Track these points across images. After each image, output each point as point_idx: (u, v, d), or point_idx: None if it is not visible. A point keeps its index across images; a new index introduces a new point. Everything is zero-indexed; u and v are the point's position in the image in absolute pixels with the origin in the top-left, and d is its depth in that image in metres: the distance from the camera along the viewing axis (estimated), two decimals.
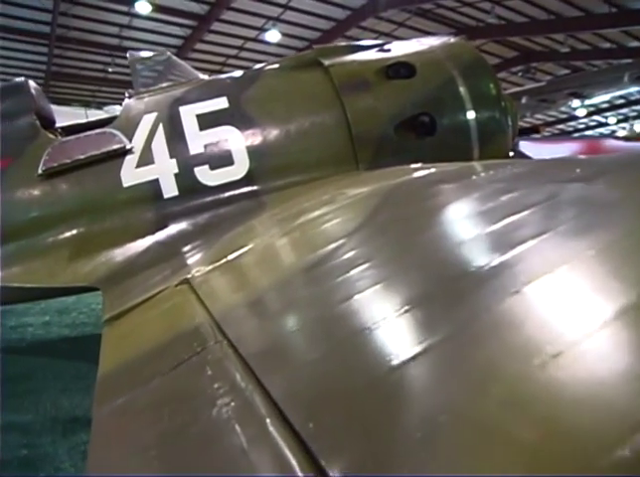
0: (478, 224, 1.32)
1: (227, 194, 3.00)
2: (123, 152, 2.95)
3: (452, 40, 3.60)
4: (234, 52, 21.84)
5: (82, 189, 2.93)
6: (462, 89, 3.22)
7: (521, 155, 5.85)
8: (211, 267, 1.97)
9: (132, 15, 18.77)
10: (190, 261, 2.39)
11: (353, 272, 1.14)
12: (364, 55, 3.46)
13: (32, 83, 3.29)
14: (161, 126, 3.03)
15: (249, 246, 2.05)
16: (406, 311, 0.87)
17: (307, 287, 1.33)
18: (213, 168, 3.00)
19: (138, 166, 2.95)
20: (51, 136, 3.19)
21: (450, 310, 0.85)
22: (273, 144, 3.09)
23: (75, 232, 2.90)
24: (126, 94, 3.21)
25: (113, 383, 1.18)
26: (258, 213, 2.79)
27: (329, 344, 0.91)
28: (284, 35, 20.27)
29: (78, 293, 3.26)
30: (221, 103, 3.15)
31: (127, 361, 1.29)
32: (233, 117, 3.11)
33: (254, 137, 3.09)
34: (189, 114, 3.08)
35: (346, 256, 1.35)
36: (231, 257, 1.97)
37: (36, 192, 2.92)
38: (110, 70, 21.72)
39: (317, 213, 2.05)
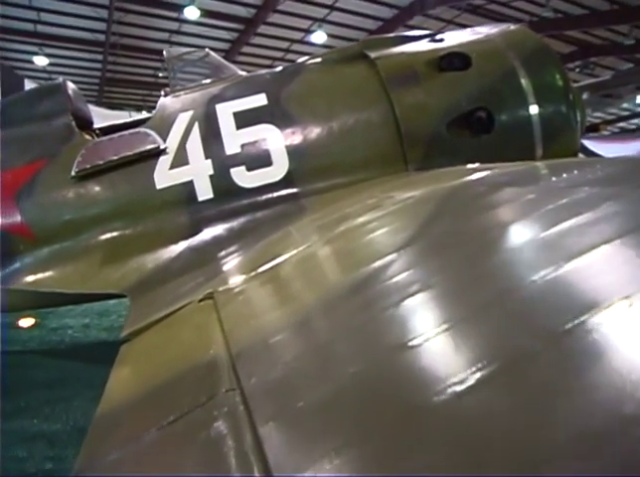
0: (561, 245, 1.00)
1: (264, 197, 2.80)
2: (157, 153, 2.81)
3: (512, 27, 3.26)
4: (280, 54, 21.89)
5: (115, 191, 2.81)
6: (524, 81, 2.88)
7: (591, 154, 5.33)
8: (240, 280, 1.77)
9: (181, 21, 19.15)
10: (220, 271, 2.20)
11: (408, 304, 0.89)
12: (414, 46, 3.18)
13: (70, 84, 3.22)
14: (196, 125, 2.87)
15: (285, 257, 1.83)
16: (481, 369, 0.63)
17: (349, 320, 1.04)
18: (250, 169, 2.81)
19: (172, 167, 2.80)
20: (87, 137, 3.11)
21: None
22: (315, 143, 2.87)
23: (107, 236, 2.78)
24: (162, 93, 3.08)
25: (107, 430, 1.00)
26: (298, 217, 2.58)
27: (382, 423, 0.65)
28: (330, 36, 20.10)
29: (112, 298, 3.16)
30: (259, 100, 2.96)
31: (129, 400, 1.16)
32: (272, 115, 2.92)
33: (295, 136, 2.88)
34: (226, 112, 2.91)
35: (398, 280, 1.10)
36: (263, 269, 1.76)
37: (69, 194, 2.83)
38: (160, 74, 22.30)
39: (362, 219, 1.81)
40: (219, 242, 2.62)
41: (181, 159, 2.81)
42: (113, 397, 1.22)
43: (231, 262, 2.31)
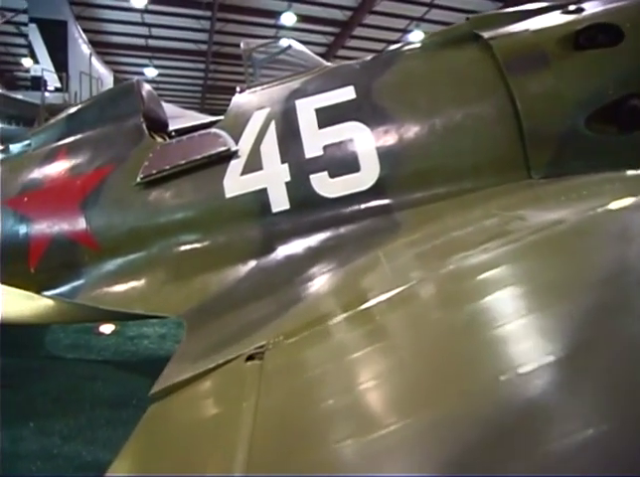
0: None
1: (349, 209, 2.33)
2: (228, 156, 2.45)
3: None
4: None
5: (181, 200, 2.50)
6: None
7: None
8: (306, 327, 1.31)
9: (278, 27, 19.41)
10: (288, 306, 1.75)
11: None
12: (540, 20, 2.53)
13: (144, 85, 2.99)
14: (273, 124, 2.47)
15: (371, 304, 1.34)
16: None
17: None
18: (333, 175, 2.35)
19: (244, 173, 2.42)
20: (159, 139, 2.84)
21: None
22: (413, 144, 2.35)
23: (171, 250, 2.48)
24: (237, 89, 2.72)
25: None
26: (389, 237, 2.07)
27: None
28: None
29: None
30: (346, 94, 2.49)
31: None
32: (361, 111, 2.44)
33: (388, 136, 2.37)
34: (307, 109, 2.48)
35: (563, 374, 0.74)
36: (338, 319, 1.28)
37: (133, 203, 2.57)
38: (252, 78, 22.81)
39: (483, 253, 1.26)
40: (293, 264, 2.20)
41: (254, 163, 2.42)
42: (124, 465, 1.10)
43: (303, 294, 1.86)
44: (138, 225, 2.54)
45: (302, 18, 18.69)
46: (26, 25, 16.20)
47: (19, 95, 14.88)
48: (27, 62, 17.54)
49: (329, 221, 2.32)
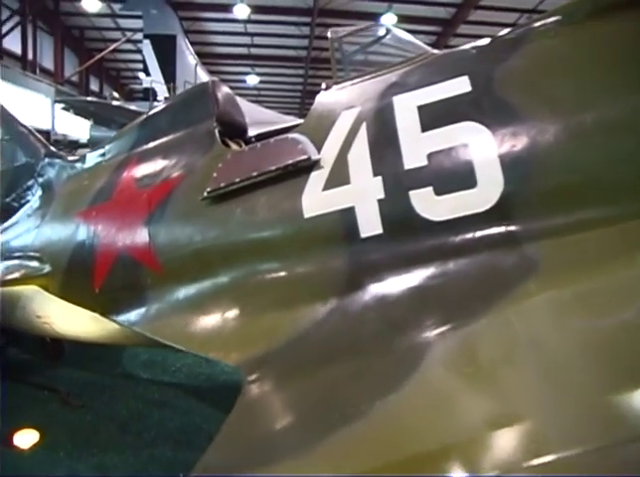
0: None
1: (461, 237, 1.75)
2: (308, 167, 2.00)
3: None
4: None
5: (251, 220, 2.09)
6: None
7: None
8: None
9: None
10: (379, 390, 1.24)
11: None
12: None
13: (221, 86, 2.65)
14: (364, 127, 1.98)
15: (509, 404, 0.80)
16: None
17: None
18: (440, 192, 1.79)
19: (327, 187, 1.95)
20: (233, 146, 2.48)
21: None
22: (552, 151, 1.72)
23: (237, 280, 2.08)
24: (322, 86, 2.26)
25: None
26: (521, 284, 1.48)
27: None
28: None
29: None
30: (459, 87, 1.92)
31: None
32: (478, 108, 1.86)
33: (516, 140, 1.77)
34: (407, 107, 1.95)
35: None
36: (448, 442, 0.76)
37: (198, 221, 2.22)
38: None
39: None
40: (386, 310, 1.68)
41: (339, 176, 1.94)
42: None
43: (395, 367, 1.35)
44: (203, 247, 2.18)
45: (403, 18, 18.03)
46: (141, 42, 17.35)
47: (133, 106, 15.91)
48: (143, 75, 18.81)
49: (434, 252, 1.76)
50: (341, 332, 1.69)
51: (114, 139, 3.01)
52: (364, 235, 1.87)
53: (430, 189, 1.80)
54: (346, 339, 1.64)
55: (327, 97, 2.19)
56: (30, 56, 18.48)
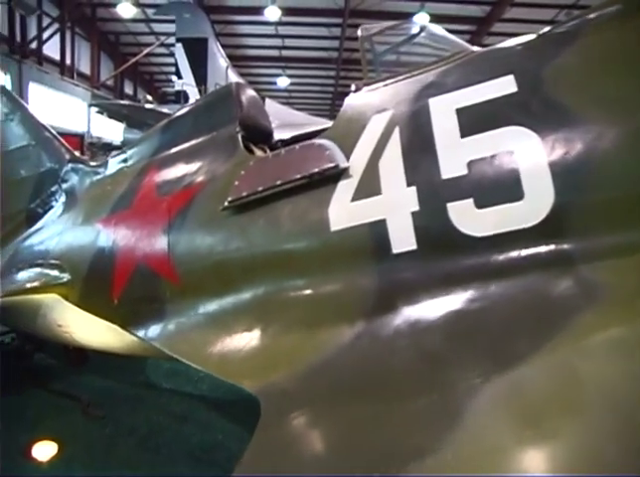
0: None
1: (506, 255, 1.56)
2: (335, 175, 1.84)
3: None
4: None
5: (274, 232, 1.95)
6: None
7: None
8: None
9: None
10: (413, 437, 1.07)
11: None
12: None
13: (245, 88, 2.53)
14: (397, 131, 1.81)
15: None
16: None
17: None
18: (482, 205, 1.61)
19: (356, 198, 1.79)
20: (258, 152, 2.35)
21: None
22: (613, 159, 1.52)
23: (257, 296, 1.95)
24: (352, 88, 2.10)
25: None
26: (580, 314, 1.28)
27: None
28: None
29: None
30: (503, 87, 1.73)
31: None
32: (525, 110, 1.67)
33: (569, 146, 1.57)
34: (445, 110, 1.77)
35: None
36: None
37: (218, 231, 2.09)
38: None
39: None
40: (419, 340, 1.50)
41: (369, 186, 1.78)
42: None
43: (434, 412, 1.17)
44: (223, 259, 2.05)
45: (436, 18, 17.61)
46: (174, 45, 17.57)
47: (165, 109, 16.12)
48: (175, 78, 19.07)
49: (474, 272, 1.58)
50: (369, 361, 1.53)
51: (137, 144, 2.93)
52: (396, 250, 1.70)
53: (471, 201, 1.62)
54: (375, 369, 1.47)
55: (357, 100, 2.03)
56: (68, 61, 18.99)
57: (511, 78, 1.73)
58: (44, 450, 2.71)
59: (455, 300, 1.55)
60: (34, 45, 16.77)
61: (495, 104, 1.71)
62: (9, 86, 15.68)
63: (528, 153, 1.60)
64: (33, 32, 16.72)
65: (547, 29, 1.89)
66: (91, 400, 3.22)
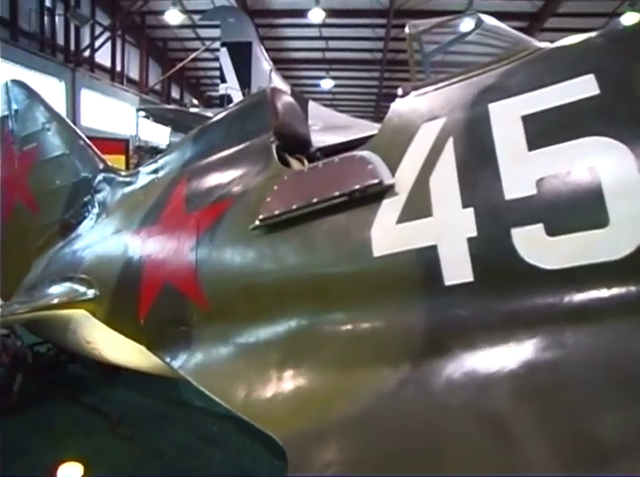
0: None
1: (584, 294, 1.29)
2: (379, 193, 1.61)
3: None
4: None
5: (309, 256, 1.74)
6: None
7: None
8: None
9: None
10: None
11: None
12: None
13: (281, 94, 2.33)
14: (450, 143, 1.56)
15: None
16: None
17: None
18: (554, 231, 1.34)
19: (402, 220, 1.56)
20: (293, 164, 2.15)
21: None
22: None
23: (289, 327, 1.74)
24: (398, 92, 1.85)
25: None
26: None
27: None
28: None
29: None
30: (580, 89, 1.46)
31: None
32: (610, 117, 1.39)
33: None
34: (508, 117, 1.51)
35: None
36: None
37: (249, 253, 1.90)
38: None
39: None
40: (477, 397, 1.26)
41: (418, 206, 1.54)
42: None
43: None
44: (253, 283, 1.86)
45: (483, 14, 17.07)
46: (219, 50, 17.78)
47: (209, 112, 16.32)
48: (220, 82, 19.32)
49: (545, 313, 1.31)
50: (414, 418, 1.29)
51: (168, 153, 2.80)
52: (448, 282, 1.45)
53: (540, 226, 1.35)
54: (420, 430, 1.24)
55: (404, 106, 1.79)
56: (118, 67, 19.60)
57: (591, 77, 1.45)
58: (69, 471, 2.61)
59: (521, 348, 1.29)
60: (87, 53, 17.40)
61: (571, 110, 1.44)
62: (63, 93, 16.40)
63: (613, 169, 1.32)
64: (86, 41, 17.35)
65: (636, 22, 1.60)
66: (121, 418, 3.11)
